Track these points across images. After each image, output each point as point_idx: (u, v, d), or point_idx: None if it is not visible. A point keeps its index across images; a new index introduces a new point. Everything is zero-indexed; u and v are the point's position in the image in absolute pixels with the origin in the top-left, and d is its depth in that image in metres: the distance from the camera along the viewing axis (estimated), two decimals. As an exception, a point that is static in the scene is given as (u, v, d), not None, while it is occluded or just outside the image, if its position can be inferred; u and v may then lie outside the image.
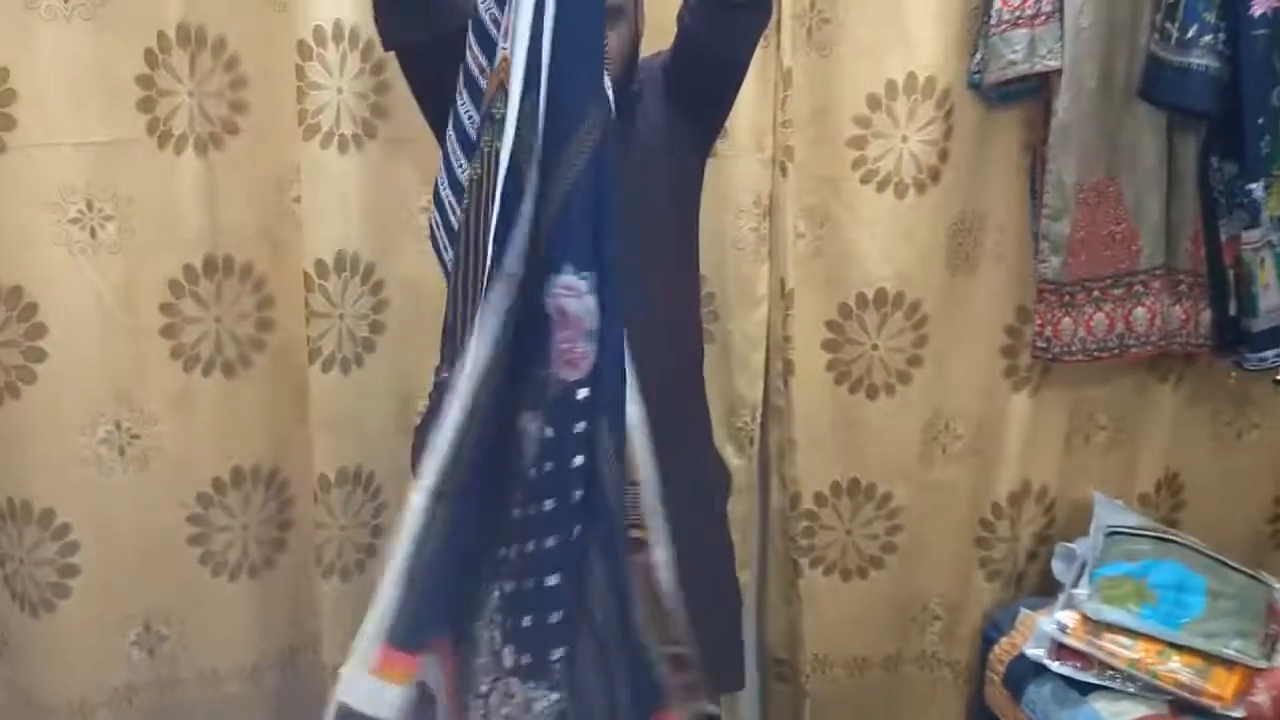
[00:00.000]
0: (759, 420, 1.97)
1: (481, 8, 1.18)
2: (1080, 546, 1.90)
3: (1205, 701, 1.63)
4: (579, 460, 1.06)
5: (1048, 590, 1.96)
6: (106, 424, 1.76)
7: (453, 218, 1.29)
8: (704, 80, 1.52)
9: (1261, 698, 1.61)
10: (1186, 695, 1.64)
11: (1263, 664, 1.65)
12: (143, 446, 1.78)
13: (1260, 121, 1.67)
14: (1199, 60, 1.65)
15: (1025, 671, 1.80)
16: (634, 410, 1.10)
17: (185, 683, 1.89)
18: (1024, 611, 1.90)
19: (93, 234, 1.70)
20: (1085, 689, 1.71)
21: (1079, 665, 1.72)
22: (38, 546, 1.76)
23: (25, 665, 1.83)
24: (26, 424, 1.72)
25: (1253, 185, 1.70)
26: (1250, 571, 1.81)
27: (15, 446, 1.73)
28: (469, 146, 1.23)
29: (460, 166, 1.26)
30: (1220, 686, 1.63)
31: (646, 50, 1.55)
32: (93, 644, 1.82)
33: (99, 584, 1.79)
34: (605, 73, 1.10)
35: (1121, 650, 1.69)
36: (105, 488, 1.77)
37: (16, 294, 1.67)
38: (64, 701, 1.82)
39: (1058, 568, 1.94)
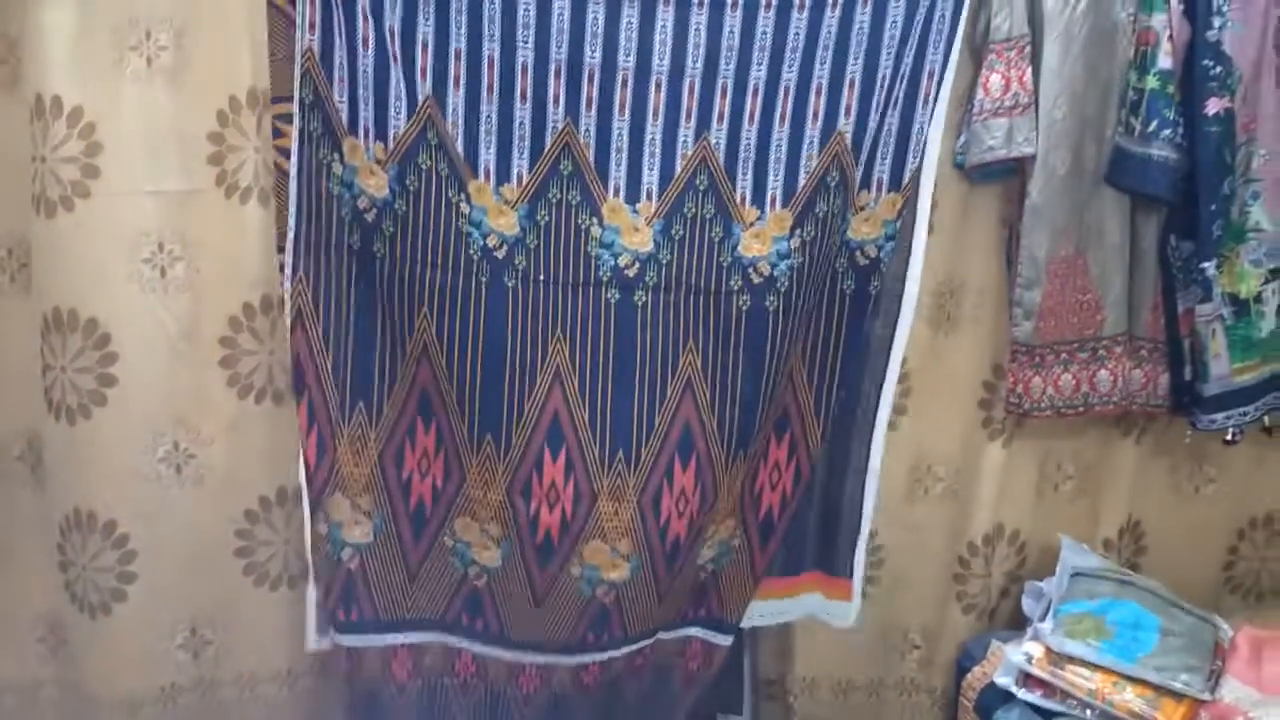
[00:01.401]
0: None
1: None
2: (1047, 585, 2.05)
3: (1154, 729, 1.78)
4: None
5: (1018, 624, 2.11)
6: (166, 444, 1.92)
7: None
8: None
9: (1205, 727, 1.76)
10: (1138, 723, 1.79)
11: (1207, 696, 1.79)
12: (198, 465, 1.94)
13: (1213, 208, 1.84)
14: (1159, 151, 1.82)
15: (995, 699, 1.94)
16: None
17: (224, 684, 2.04)
18: (995, 643, 2.05)
19: (162, 273, 1.85)
20: (1049, 715, 1.85)
21: (1043, 694, 1.87)
22: (99, 554, 1.91)
23: (81, 663, 1.99)
24: (96, 442, 1.88)
25: (1206, 264, 1.86)
26: (1200, 613, 1.97)
27: (85, 462, 1.89)
28: None
29: None
30: (1168, 716, 1.77)
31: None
32: (143, 645, 1.97)
33: (152, 590, 1.95)
34: None
35: (1081, 681, 1.84)
36: (162, 501, 1.92)
37: (92, 325, 1.83)
38: (114, 699, 1.97)
39: (1027, 604, 2.09)
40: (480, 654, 1.88)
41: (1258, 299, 1.91)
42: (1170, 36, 1.80)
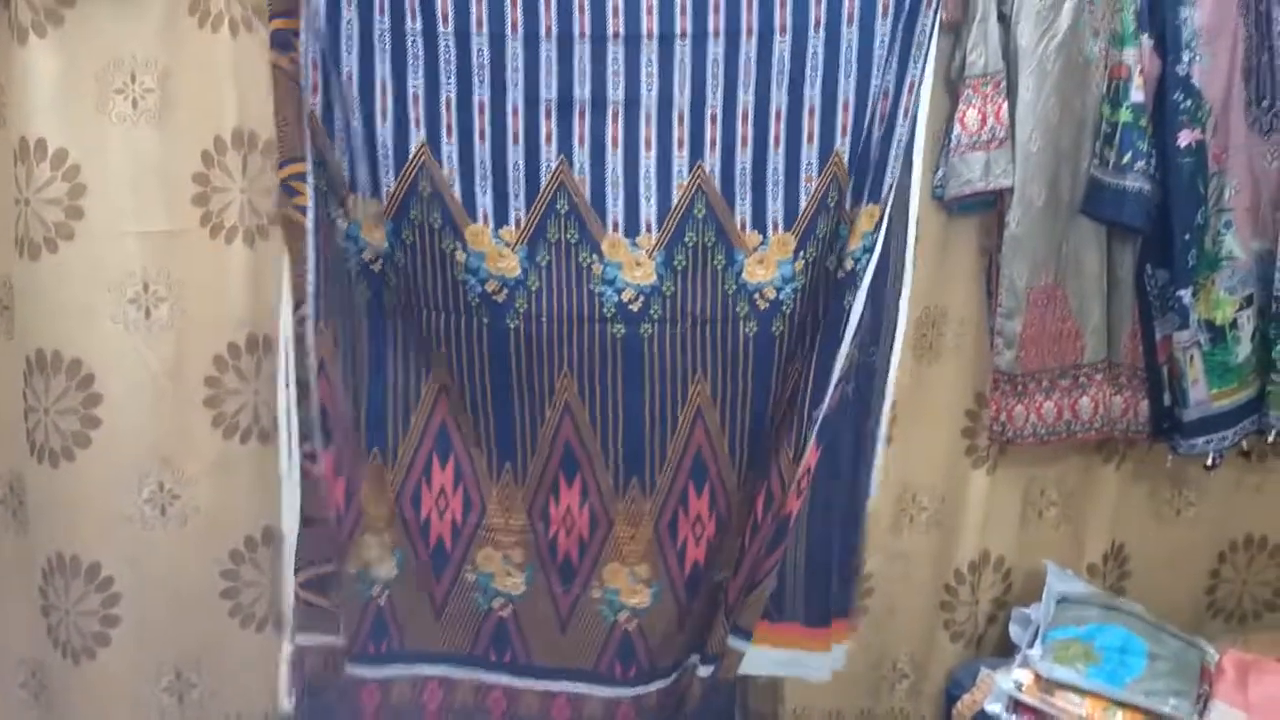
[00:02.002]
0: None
1: None
2: (1034, 611, 2.07)
3: (1144, 753, 1.80)
4: None
5: (1005, 651, 2.12)
6: (151, 485, 1.90)
7: None
8: None
9: (1194, 751, 1.78)
10: (1128, 748, 1.81)
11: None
12: (182, 506, 1.92)
13: (1187, 237, 1.88)
14: (1133, 183, 1.85)
15: (985, 726, 1.96)
16: None
17: (210, 728, 2.04)
18: (984, 670, 2.05)
19: (147, 314, 1.84)
20: (1039, 742, 1.87)
21: (1033, 720, 1.89)
22: (83, 598, 1.90)
23: (64, 709, 1.96)
24: (80, 484, 1.86)
25: (1182, 292, 1.90)
26: (1186, 638, 1.99)
27: (68, 504, 1.87)
28: None
29: None
30: (1157, 740, 1.81)
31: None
32: (128, 689, 1.95)
33: (136, 633, 1.93)
34: None
35: (1071, 706, 1.85)
36: (147, 543, 1.91)
37: (76, 366, 1.82)
38: (98, 744, 1.96)
39: (1014, 630, 2.10)
40: (510, 688, 1.87)
41: (1233, 325, 1.94)
42: (1141, 70, 1.84)
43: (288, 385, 1.80)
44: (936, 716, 2.18)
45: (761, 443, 1.82)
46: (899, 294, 1.86)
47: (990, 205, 1.96)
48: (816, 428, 1.80)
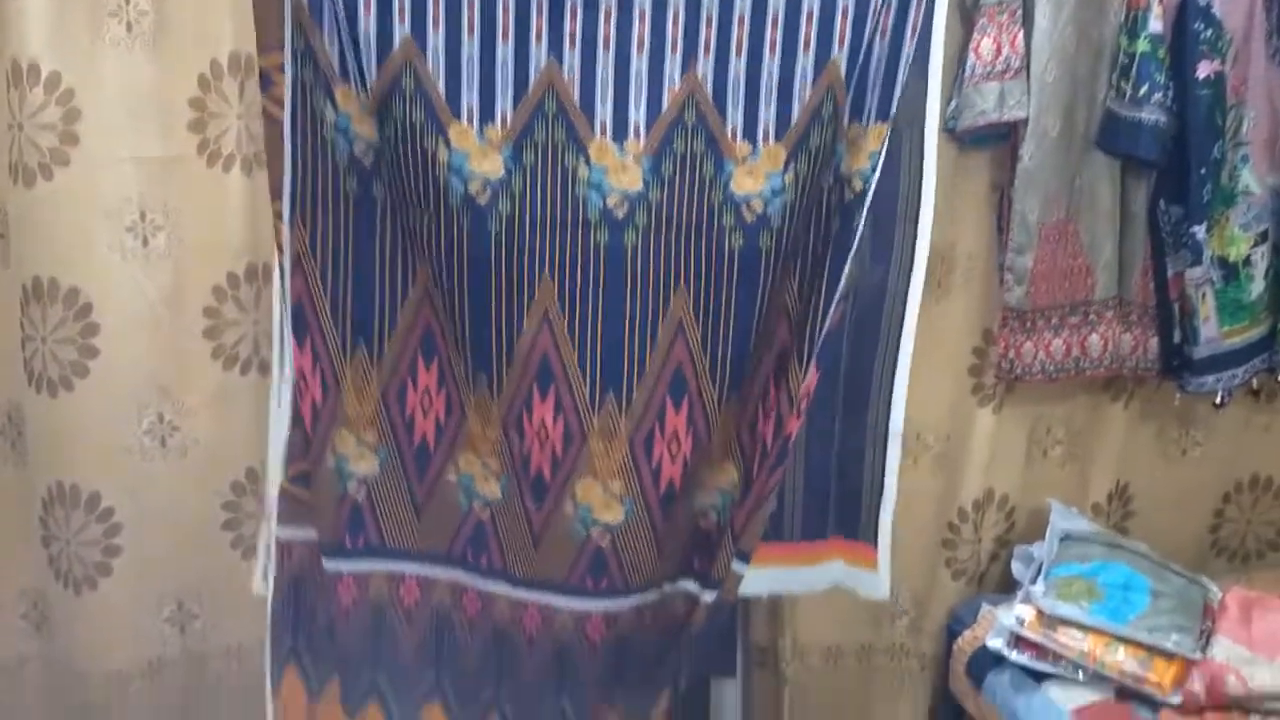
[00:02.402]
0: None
1: None
2: (1037, 549, 2.07)
3: (1147, 689, 1.79)
4: None
5: (1006, 588, 2.13)
6: (150, 416, 1.90)
7: None
8: None
9: (1197, 686, 1.77)
10: (1130, 683, 1.80)
11: (1198, 656, 1.80)
12: (182, 437, 1.92)
13: (1203, 171, 1.85)
14: (1150, 115, 1.82)
15: (986, 662, 1.95)
16: None
17: (213, 657, 2.03)
18: (985, 607, 2.07)
19: (145, 242, 1.83)
20: (1040, 677, 1.86)
21: (1034, 655, 1.87)
22: (83, 528, 1.89)
23: (66, 639, 1.97)
24: (78, 415, 1.85)
25: (1196, 228, 1.87)
26: (1190, 575, 1.99)
27: (68, 435, 1.87)
28: None
29: None
30: (1160, 675, 1.79)
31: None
32: (130, 620, 1.96)
33: (138, 564, 1.93)
34: None
35: (1073, 642, 1.85)
36: (147, 474, 1.91)
37: (73, 295, 1.81)
38: (101, 674, 1.96)
39: (1016, 568, 2.11)
40: (484, 591, 1.87)
41: (1246, 262, 1.92)
42: (1160, 0, 1.80)
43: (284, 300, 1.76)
44: (937, 652, 2.18)
45: (743, 358, 1.80)
46: (913, 217, 1.82)
47: (1003, 138, 1.92)
48: (819, 348, 1.77)
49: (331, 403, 1.78)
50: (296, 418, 1.80)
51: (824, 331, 1.75)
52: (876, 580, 1.98)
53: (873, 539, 1.96)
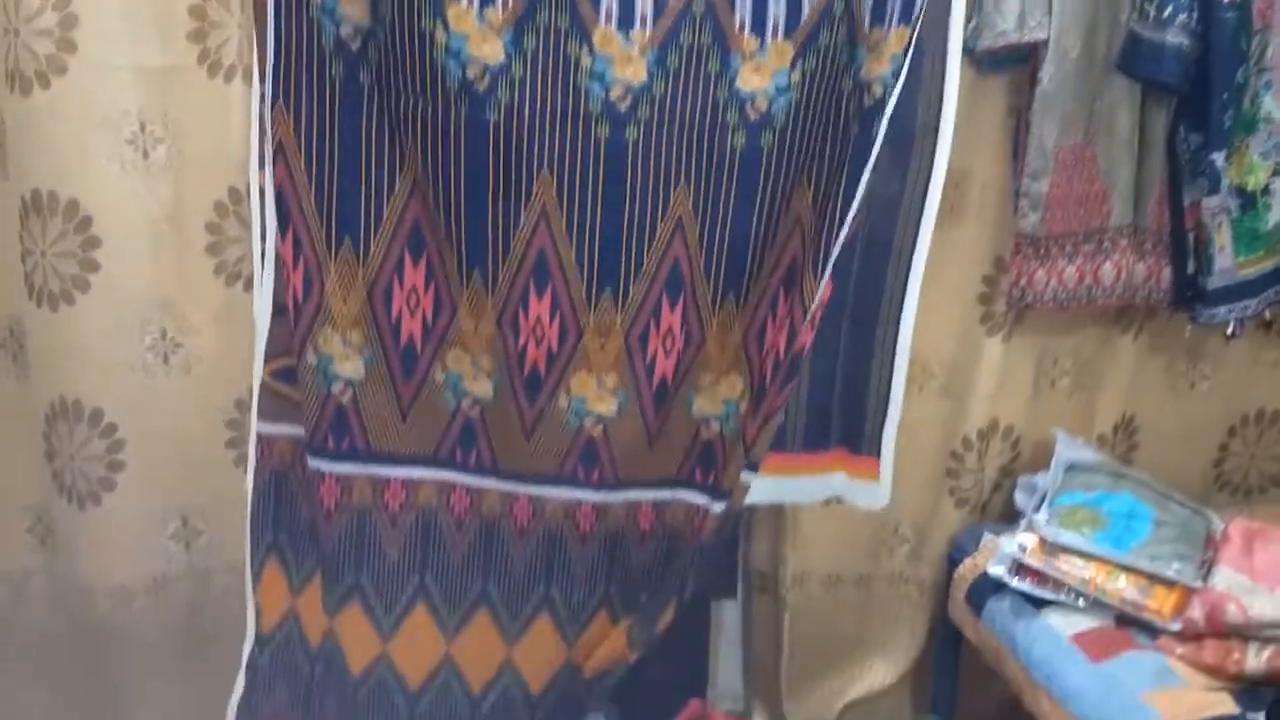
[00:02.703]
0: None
1: None
2: (1041, 479, 2.07)
3: (1146, 616, 1.80)
4: None
5: (1009, 519, 2.13)
6: (153, 332, 1.87)
7: None
8: None
9: (1196, 613, 1.77)
10: (1130, 610, 1.81)
11: (1199, 584, 1.81)
12: (185, 354, 1.90)
13: (1225, 97, 1.81)
14: (1173, 38, 1.77)
15: (986, 589, 1.96)
16: None
17: (218, 573, 2.03)
18: (987, 536, 2.07)
19: (145, 154, 1.79)
20: (1040, 604, 1.87)
21: (1035, 582, 1.88)
22: (87, 443, 1.88)
23: (71, 554, 1.97)
24: (80, 329, 1.83)
25: (1215, 155, 1.84)
26: (1193, 506, 1.99)
27: (69, 350, 1.85)
28: None
29: None
30: (1160, 603, 1.80)
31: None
32: (134, 535, 1.96)
33: (142, 480, 1.93)
34: None
35: (1074, 570, 1.86)
36: (150, 391, 1.89)
37: (73, 208, 1.78)
38: (106, 588, 1.96)
39: (1019, 498, 2.11)
40: (473, 487, 1.88)
41: (1265, 191, 1.89)
42: (1188, -83, 1.75)
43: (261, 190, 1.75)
44: (936, 580, 2.19)
45: (741, 259, 1.77)
46: (933, 130, 1.79)
47: (1022, 61, 1.88)
48: (833, 259, 1.75)
49: (315, 298, 1.77)
50: (279, 310, 1.79)
51: (838, 244, 1.73)
52: (877, 490, 1.99)
53: (876, 452, 1.96)
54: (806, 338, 1.78)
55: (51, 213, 1.78)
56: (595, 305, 1.76)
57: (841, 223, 1.72)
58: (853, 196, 1.71)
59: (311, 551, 1.91)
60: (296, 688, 1.97)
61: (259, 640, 1.95)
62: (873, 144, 1.70)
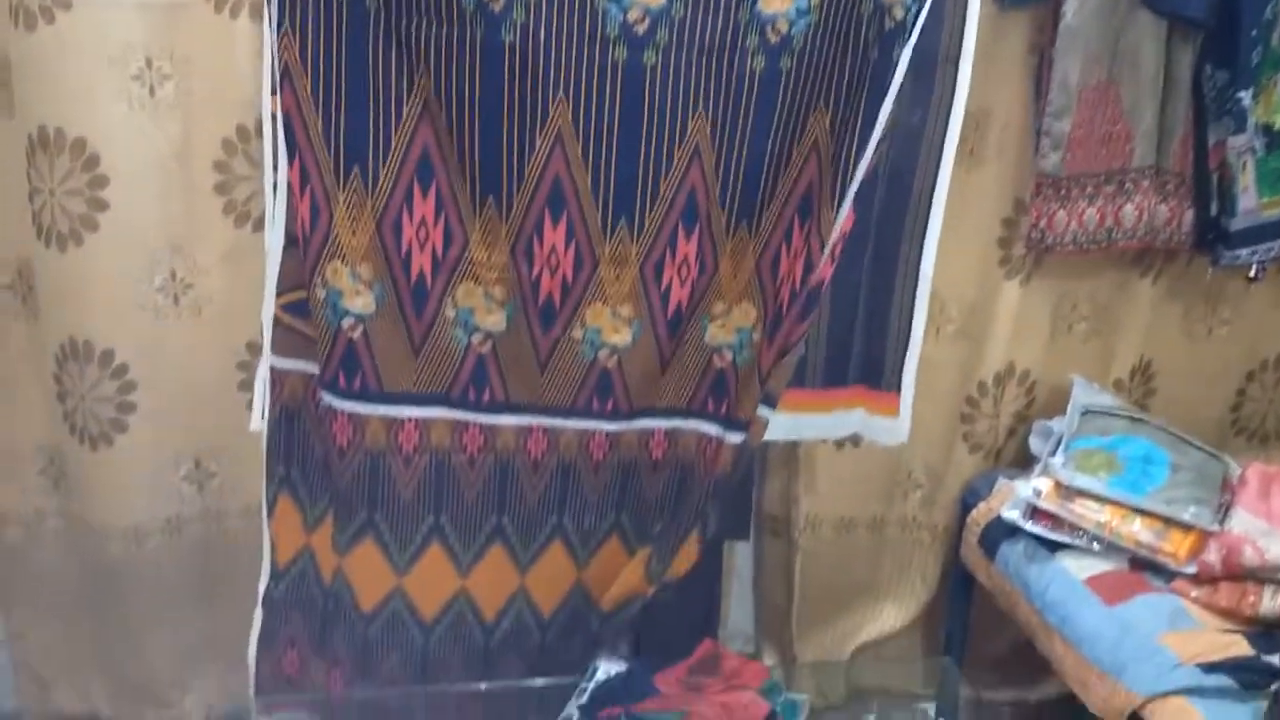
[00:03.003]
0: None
1: None
2: (1056, 424, 2.05)
3: (1161, 559, 1.80)
4: None
5: (1023, 464, 2.12)
6: (162, 273, 1.86)
7: None
8: None
9: (1212, 556, 1.77)
10: (1145, 553, 1.81)
11: (1215, 528, 1.81)
12: (195, 296, 1.89)
13: (1254, 33, 1.78)
14: (1201, -29, 1.75)
15: (1000, 533, 1.96)
16: None
17: (231, 515, 2.04)
18: (1001, 480, 2.06)
19: (152, 91, 1.76)
20: (1054, 548, 1.86)
21: (1050, 526, 1.87)
22: (98, 384, 1.88)
23: (83, 495, 1.98)
24: (89, 269, 1.82)
25: (1242, 93, 1.81)
26: (1210, 450, 1.98)
27: (78, 290, 1.83)
28: None
29: None
30: (1176, 546, 1.80)
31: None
32: (147, 477, 1.96)
33: (154, 421, 1.92)
34: None
35: (1090, 513, 1.85)
36: (161, 332, 1.88)
37: (81, 145, 1.75)
38: (119, 529, 1.97)
39: (1034, 443, 2.10)
40: (487, 425, 1.88)
41: (1292, 130, 1.86)
42: None
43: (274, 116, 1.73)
44: (949, 524, 2.19)
45: (755, 185, 1.74)
46: (954, 60, 1.75)
47: (1046, -5, 1.84)
48: (854, 189, 1.72)
49: (322, 229, 1.75)
50: (291, 241, 1.77)
51: (858, 173, 1.70)
52: (896, 426, 1.98)
53: (896, 387, 1.95)
54: (827, 271, 1.76)
55: (59, 150, 1.75)
56: (611, 234, 1.74)
57: (862, 150, 1.69)
58: (873, 122, 1.68)
59: (325, 489, 1.91)
60: (312, 621, 1.99)
61: (274, 574, 1.97)
62: (893, 69, 1.67)
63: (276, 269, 1.82)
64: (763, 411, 1.86)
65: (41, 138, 1.75)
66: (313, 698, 2.02)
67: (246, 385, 1.96)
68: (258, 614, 1.99)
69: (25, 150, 1.77)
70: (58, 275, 1.83)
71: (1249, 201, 1.88)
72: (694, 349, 1.86)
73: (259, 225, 1.89)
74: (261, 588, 1.97)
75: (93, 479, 1.95)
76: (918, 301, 1.92)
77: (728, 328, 1.85)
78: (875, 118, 1.68)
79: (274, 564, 1.96)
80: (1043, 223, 1.93)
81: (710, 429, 1.90)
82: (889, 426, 2.01)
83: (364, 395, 1.84)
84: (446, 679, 2.00)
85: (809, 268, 1.77)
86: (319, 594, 1.96)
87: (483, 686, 1.99)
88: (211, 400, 1.95)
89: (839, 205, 1.73)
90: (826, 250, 1.74)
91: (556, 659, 1.99)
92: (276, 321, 1.84)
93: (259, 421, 1.90)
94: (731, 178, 1.73)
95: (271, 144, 1.74)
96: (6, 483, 2.01)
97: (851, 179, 1.71)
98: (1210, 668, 1.57)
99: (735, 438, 1.87)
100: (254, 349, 1.95)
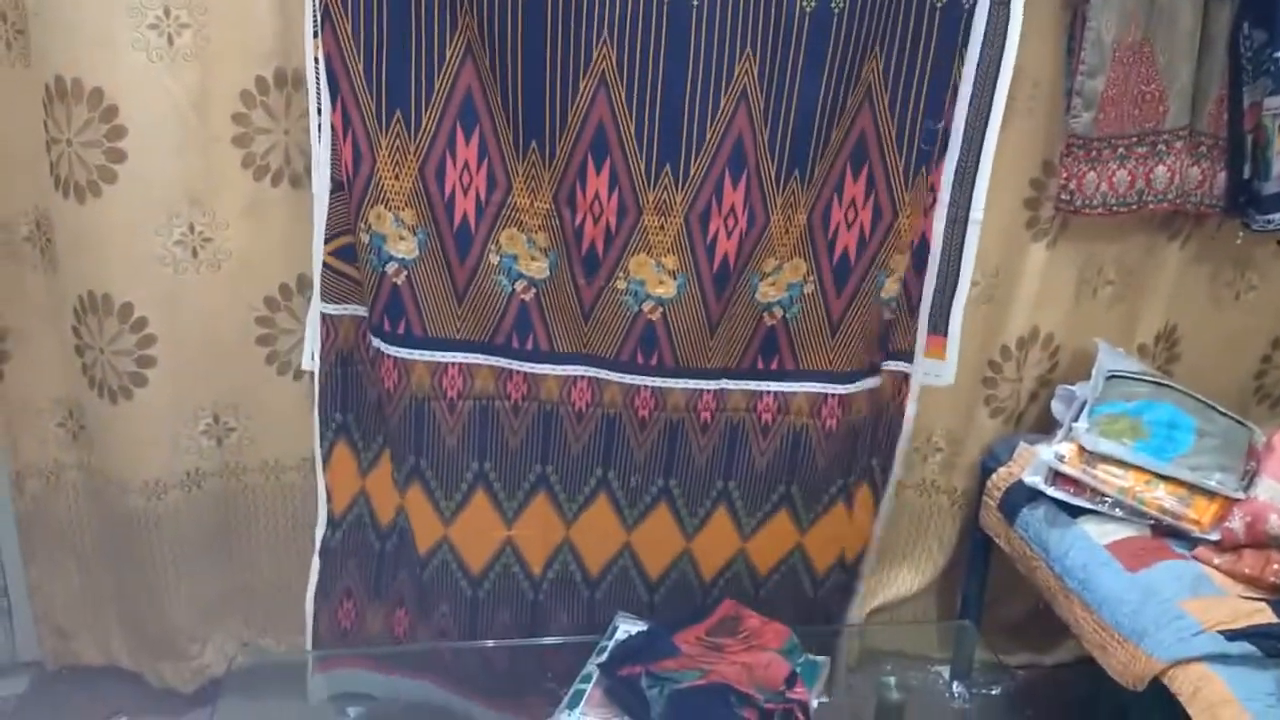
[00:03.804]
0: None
1: None
2: (1079, 389, 2.04)
3: (1185, 526, 1.79)
4: None
5: (1044, 429, 2.11)
6: (181, 226, 1.84)
7: None
8: None
9: (1236, 524, 1.76)
10: (1169, 520, 1.80)
11: (1240, 495, 1.79)
12: (214, 249, 1.87)
13: (1295, -10, 1.74)
14: (1242, -75, 1.71)
15: (1020, 497, 1.95)
16: None
17: (250, 470, 2.04)
18: (1023, 445, 2.05)
19: (170, 41, 1.74)
20: (1075, 512, 1.85)
21: (1072, 491, 1.86)
22: (117, 338, 1.87)
23: (103, 448, 1.98)
24: (107, 222, 1.80)
25: (1279, 53, 1.77)
26: (1236, 416, 1.96)
27: (97, 243, 1.82)
28: None
29: None
30: (1200, 513, 1.79)
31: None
32: (166, 430, 1.95)
33: (173, 376, 1.91)
34: None
35: (1113, 479, 1.83)
36: (180, 286, 1.87)
37: (98, 96, 1.73)
38: (138, 483, 1.97)
39: (1056, 408, 2.09)
40: (530, 374, 1.87)
41: (1330, 92, 1.82)
42: None
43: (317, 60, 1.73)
44: (968, 488, 2.18)
45: (808, 132, 1.71)
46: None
47: (1081, -49, 1.80)
48: (935, 141, 1.69)
49: (365, 173, 1.73)
50: (335, 186, 1.75)
51: (940, 122, 1.66)
52: (944, 368, 1.98)
53: (943, 330, 1.95)
54: (932, 222, 1.75)
55: (76, 100, 1.73)
56: (655, 182, 1.71)
57: (940, 102, 1.65)
58: (949, 73, 1.64)
59: (379, 429, 1.90)
60: (368, 566, 1.99)
61: (331, 523, 1.97)
62: (962, 15, 1.63)
63: (325, 214, 1.80)
64: (897, 365, 1.91)
65: (59, 87, 1.73)
66: (367, 652, 2.04)
67: (265, 340, 1.96)
68: (315, 563, 2.00)
69: (43, 100, 1.75)
70: (76, 227, 1.82)
71: (1283, 164, 1.84)
72: (744, 308, 1.85)
73: (278, 179, 1.87)
74: (319, 536, 1.98)
75: (112, 432, 1.95)
76: (966, 245, 1.89)
77: (779, 284, 1.83)
78: (950, 64, 1.65)
79: (330, 513, 1.97)
80: (1072, 184, 1.90)
81: (766, 386, 1.89)
82: (936, 369, 2.00)
83: (408, 341, 1.83)
84: (495, 632, 2.01)
85: (878, 216, 1.74)
86: (375, 538, 1.96)
87: (489, 644, 2.01)
88: (231, 355, 1.94)
89: (907, 154, 1.69)
90: (921, 203, 1.72)
91: (606, 618, 2.00)
92: (326, 266, 1.83)
93: (309, 361, 1.91)
94: (782, 124, 1.69)
95: (315, 88, 1.72)
96: (26, 435, 2.02)
97: (930, 131, 1.68)
98: (1233, 635, 1.56)
99: (796, 388, 1.87)
100: (272, 304, 1.94)
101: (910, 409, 2.02)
